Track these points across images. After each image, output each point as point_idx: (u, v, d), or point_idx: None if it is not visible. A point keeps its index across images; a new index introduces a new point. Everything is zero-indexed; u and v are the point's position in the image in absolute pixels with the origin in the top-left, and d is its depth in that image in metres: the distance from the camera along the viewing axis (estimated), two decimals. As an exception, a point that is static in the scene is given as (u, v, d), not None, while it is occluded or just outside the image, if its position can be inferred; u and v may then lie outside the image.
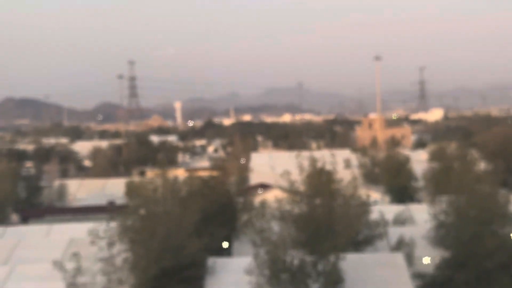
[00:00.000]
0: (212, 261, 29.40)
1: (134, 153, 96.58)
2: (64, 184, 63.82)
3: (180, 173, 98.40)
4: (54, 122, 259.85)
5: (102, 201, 63.69)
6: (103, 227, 27.15)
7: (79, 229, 43.29)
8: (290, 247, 26.18)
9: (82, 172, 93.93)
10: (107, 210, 54.28)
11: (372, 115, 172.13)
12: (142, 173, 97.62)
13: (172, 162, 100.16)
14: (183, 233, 28.26)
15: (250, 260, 28.58)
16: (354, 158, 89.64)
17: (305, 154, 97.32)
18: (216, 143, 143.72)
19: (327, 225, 26.07)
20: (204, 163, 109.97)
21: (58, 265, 24.30)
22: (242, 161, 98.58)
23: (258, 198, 42.32)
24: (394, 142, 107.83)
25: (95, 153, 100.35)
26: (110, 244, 25.47)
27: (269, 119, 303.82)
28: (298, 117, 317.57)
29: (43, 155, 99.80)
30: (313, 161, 30.97)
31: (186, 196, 33.13)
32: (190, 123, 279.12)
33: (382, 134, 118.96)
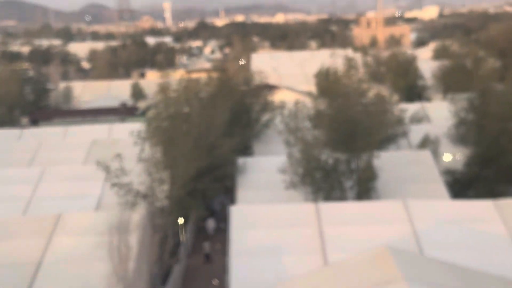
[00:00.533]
0: (242, 160, 29.74)
1: (133, 55, 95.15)
2: (70, 86, 63.17)
3: (180, 75, 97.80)
4: (44, 24, 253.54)
5: (108, 103, 63.47)
6: (139, 127, 27.28)
7: (95, 131, 43.50)
8: (323, 146, 26.41)
9: (81, 74, 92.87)
10: (119, 112, 54.43)
11: (370, 14, 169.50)
12: (142, 75, 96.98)
13: (171, 64, 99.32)
14: (214, 132, 28.42)
15: (280, 159, 29.00)
16: (356, 58, 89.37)
17: (307, 54, 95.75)
18: (212, 44, 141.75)
19: (361, 124, 26.15)
20: (203, 64, 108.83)
21: (102, 165, 24.41)
22: (241, 62, 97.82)
23: (272, 98, 42.07)
24: (394, 41, 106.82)
25: (93, 55, 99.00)
26: (151, 144, 25.63)
27: (261, 19, 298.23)
28: (291, 17, 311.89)
29: (40, 57, 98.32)
30: (348, 60, 30.72)
31: (211, 96, 33.01)
32: (181, 24, 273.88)
33: (381, 33, 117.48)
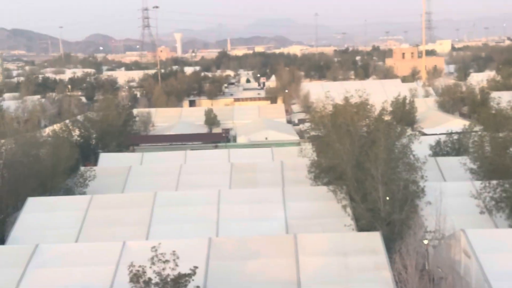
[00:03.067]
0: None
1: (182, 83, 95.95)
2: (149, 112, 63.52)
3: (230, 102, 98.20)
4: (64, 53, 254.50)
5: (183, 129, 63.77)
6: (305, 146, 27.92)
7: (214, 155, 44.05)
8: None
9: (135, 101, 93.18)
10: (210, 137, 54.92)
11: (404, 46, 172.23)
12: (191, 102, 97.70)
13: (218, 92, 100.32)
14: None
15: (447, 184, 29.37)
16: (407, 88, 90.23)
17: (357, 84, 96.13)
18: (244, 73, 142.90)
19: None
20: (243, 93, 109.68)
21: (331, 188, 24.75)
22: (287, 90, 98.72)
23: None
24: (436, 72, 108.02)
25: (143, 83, 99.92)
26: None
27: (277, 50, 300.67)
28: (308, 49, 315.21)
29: (91, 85, 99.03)
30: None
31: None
32: (192, 54, 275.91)
33: (421, 64, 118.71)
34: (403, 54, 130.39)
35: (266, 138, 57.65)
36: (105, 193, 32.79)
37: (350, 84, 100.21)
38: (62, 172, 32.52)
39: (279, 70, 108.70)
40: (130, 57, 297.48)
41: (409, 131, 40.28)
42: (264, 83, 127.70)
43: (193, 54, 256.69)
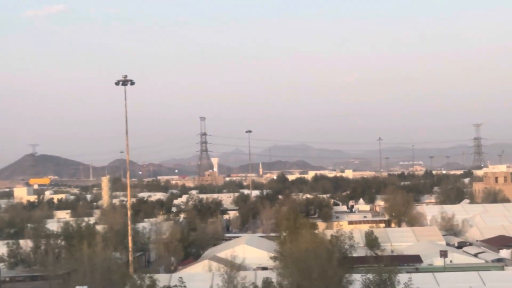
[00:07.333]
0: None
1: (296, 206, 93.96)
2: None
3: (346, 226, 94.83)
4: (118, 178, 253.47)
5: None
6: None
7: (458, 278, 41.42)
8: None
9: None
10: (415, 259, 51.84)
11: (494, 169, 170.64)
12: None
13: (331, 215, 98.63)
14: None
15: None
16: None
17: (478, 207, 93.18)
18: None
19: None
20: (352, 216, 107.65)
21: None
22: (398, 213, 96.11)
23: None
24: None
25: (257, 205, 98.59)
26: None
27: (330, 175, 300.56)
28: (361, 174, 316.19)
29: (196, 208, 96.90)
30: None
31: None
32: (245, 177, 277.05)
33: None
34: (496, 178, 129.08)
35: (451, 261, 55.27)
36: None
37: (472, 207, 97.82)
38: None
39: (388, 193, 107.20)
40: (171, 181, 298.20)
41: None
42: (353, 206, 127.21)
43: (244, 178, 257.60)
